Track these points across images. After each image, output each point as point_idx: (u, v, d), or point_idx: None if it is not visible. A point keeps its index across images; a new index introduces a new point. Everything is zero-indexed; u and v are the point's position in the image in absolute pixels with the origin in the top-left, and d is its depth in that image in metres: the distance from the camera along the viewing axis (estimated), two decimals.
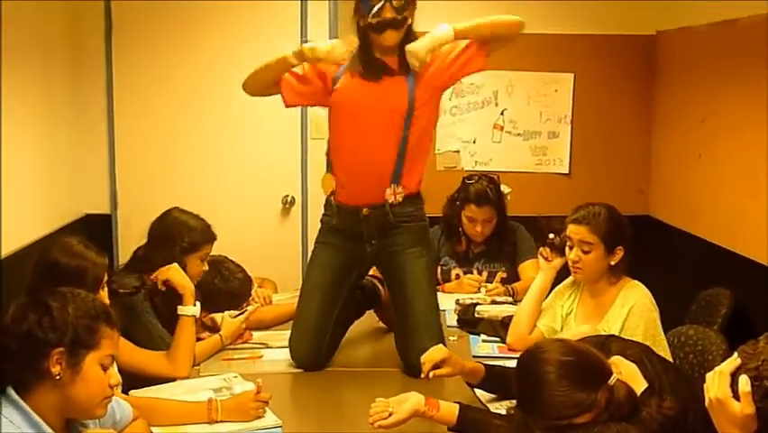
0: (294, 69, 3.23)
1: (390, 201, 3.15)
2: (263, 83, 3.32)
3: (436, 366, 2.70)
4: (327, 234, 3.32)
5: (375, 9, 3.02)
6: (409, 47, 3.06)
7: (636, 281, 3.12)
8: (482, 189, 4.03)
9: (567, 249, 3.15)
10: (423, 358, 2.74)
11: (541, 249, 3.37)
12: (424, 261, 3.26)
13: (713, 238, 4.35)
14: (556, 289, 3.34)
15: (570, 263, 3.17)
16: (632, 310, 2.98)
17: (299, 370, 3.20)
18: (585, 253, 3.09)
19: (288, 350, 3.27)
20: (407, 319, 3.20)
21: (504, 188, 4.18)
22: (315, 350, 3.23)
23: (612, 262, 3.09)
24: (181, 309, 3.10)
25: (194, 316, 3.10)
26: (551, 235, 3.31)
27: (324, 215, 3.34)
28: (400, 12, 3.04)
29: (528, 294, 3.37)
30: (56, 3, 4.57)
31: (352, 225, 3.21)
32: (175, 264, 3.16)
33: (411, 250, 3.22)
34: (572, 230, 3.12)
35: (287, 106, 3.36)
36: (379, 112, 3.11)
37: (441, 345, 2.82)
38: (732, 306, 3.89)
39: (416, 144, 3.17)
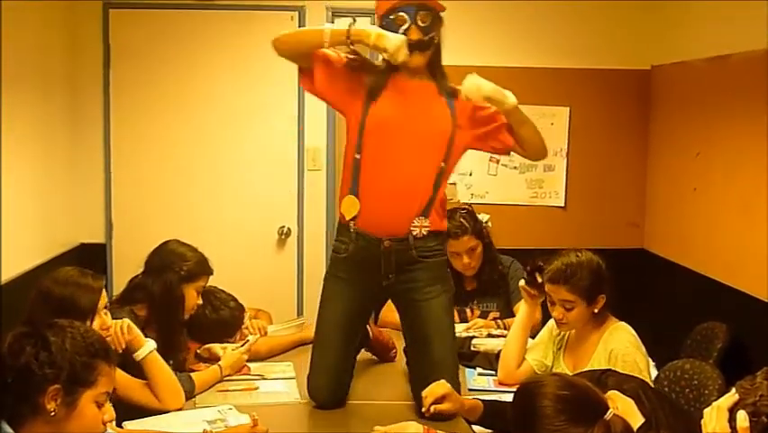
0: (331, 53, 2.99)
1: (415, 234, 2.97)
2: (295, 47, 3.02)
3: (437, 401, 2.70)
4: (340, 266, 3.07)
5: (401, 31, 2.90)
6: (476, 80, 2.93)
7: (621, 324, 3.07)
8: (456, 222, 3.97)
9: (549, 305, 3.14)
10: (424, 393, 2.73)
11: (522, 285, 3.33)
12: (443, 299, 3.07)
13: (708, 272, 4.36)
14: (549, 323, 3.33)
15: (554, 320, 3.16)
16: (612, 354, 2.97)
17: (294, 401, 3.16)
18: (568, 310, 3.07)
19: (283, 382, 3.25)
20: (425, 359, 3.04)
21: (482, 217, 4.14)
22: (339, 389, 3.10)
23: (595, 310, 3.08)
24: (139, 354, 2.91)
25: (152, 350, 3.01)
26: (533, 273, 3.28)
27: (337, 241, 3.08)
28: (427, 32, 2.93)
29: (513, 328, 3.36)
30: (55, 33, 4.60)
31: (371, 256, 2.98)
32: (117, 323, 2.89)
33: (430, 288, 3.03)
34: (551, 289, 3.09)
35: (308, 90, 3.10)
36: (423, 133, 2.96)
37: (443, 381, 2.80)
38: (728, 340, 3.89)
39: (447, 176, 3.03)
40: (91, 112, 4.93)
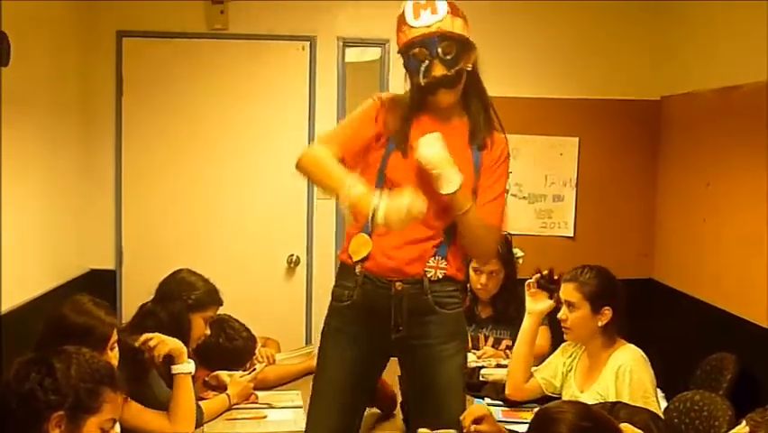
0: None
1: (430, 276, 2.64)
2: (312, 180, 2.79)
3: (476, 421, 2.67)
4: (342, 316, 2.72)
5: (423, 68, 2.59)
6: (427, 147, 2.55)
7: (630, 345, 3.09)
8: None
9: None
10: (464, 414, 2.67)
11: (528, 282, 3.34)
12: (460, 358, 2.75)
13: (718, 302, 4.34)
14: (562, 345, 3.33)
15: (561, 322, 3.18)
16: (618, 372, 2.96)
17: (302, 431, 3.12)
18: (570, 311, 3.11)
19: (291, 411, 3.26)
20: (434, 421, 2.64)
21: (516, 252, 4.16)
22: None
23: (600, 323, 3.07)
24: (176, 368, 3.02)
25: (190, 373, 3.07)
26: (542, 272, 3.30)
27: (338, 287, 2.75)
28: (451, 66, 2.60)
29: (518, 341, 3.37)
30: (69, 60, 4.64)
31: (379, 302, 2.64)
32: (156, 334, 3.02)
33: (446, 346, 2.69)
34: (562, 289, 3.15)
35: None
36: None
37: (482, 404, 2.77)
38: (738, 371, 3.87)
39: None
40: (103, 139, 4.96)
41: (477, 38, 5.05)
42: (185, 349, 3.04)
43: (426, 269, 2.64)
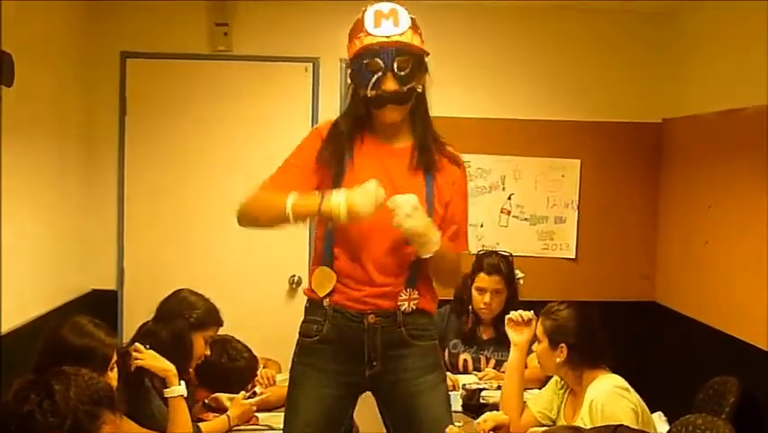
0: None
1: (403, 309, 2.54)
2: (254, 223, 2.79)
3: (495, 429, 2.67)
4: (312, 353, 2.57)
5: (374, 79, 2.44)
6: (405, 208, 2.38)
7: (607, 375, 3.05)
8: (494, 261, 4.04)
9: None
10: (484, 418, 2.69)
11: (507, 316, 3.37)
12: (443, 388, 2.65)
13: (720, 325, 4.33)
14: (554, 377, 3.33)
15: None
16: (592, 404, 2.95)
17: None
18: (537, 345, 3.19)
19: None
20: None
21: (517, 272, 4.17)
22: None
23: (558, 360, 3.09)
24: (168, 392, 2.96)
25: (181, 395, 3.04)
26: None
27: (306, 322, 2.62)
28: (405, 82, 2.45)
29: (506, 377, 3.37)
30: (73, 81, 4.66)
31: (351, 337, 2.53)
32: (150, 351, 3.00)
33: (426, 378, 2.58)
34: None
35: None
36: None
37: (501, 412, 2.75)
38: (740, 394, 3.85)
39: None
40: (105, 159, 4.98)
41: (480, 61, 5.12)
42: (173, 371, 2.98)
43: (399, 302, 2.54)
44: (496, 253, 4.16)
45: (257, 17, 4.99)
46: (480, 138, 4.95)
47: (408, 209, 2.38)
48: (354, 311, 2.52)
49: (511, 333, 3.34)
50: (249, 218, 2.70)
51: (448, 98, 4.54)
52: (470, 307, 4.08)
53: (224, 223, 5.01)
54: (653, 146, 5.15)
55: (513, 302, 4.07)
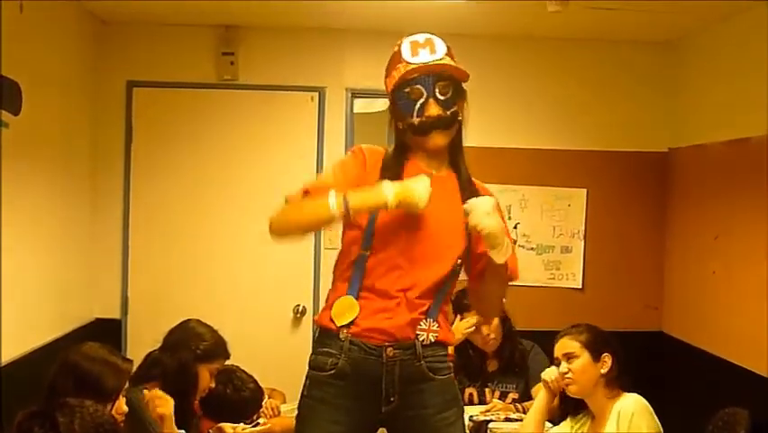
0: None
1: (422, 340, 2.47)
2: (296, 230, 2.66)
3: None
4: (324, 387, 2.46)
5: (418, 106, 2.45)
6: (485, 207, 2.38)
7: (633, 394, 3.07)
8: None
9: (556, 368, 3.19)
10: None
11: (543, 375, 3.30)
12: (460, 425, 2.58)
13: (729, 356, 4.30)
14: (571, 416, 3.31)
15: (563, 380, 3.16)
16: (620, 415, 2.94)
17: None
18: (570, 362, 3.12)
19: None
20: None
21: None
22: None
23: (603, 371, 3.06)
24: None
25: None
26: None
27: (319, 354, 2.51)
28: (448, 106, 2.47)
29: (530, 412, 3.35)
30: (79, 110, 4.67)
31: (368, 371, 2.44)
32: (167, 397, 2.97)
33: (445, 414, 2.50)
34: (556, 348, 3.19)
35: None
36: (438, 237, 2.48)
37: None
38: (750, 426, 3.81)
39: (457, 277, 2.58)
40: (111, 187, 4.98)
41: (486, 90, 5.13)
42: (170, 416, 2.94)
43: (418, 332, 2.47)
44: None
45: (263, 47, 5.02)
46: (486, 167, 4.90)
47: (488, 208, 2.38)
48: (372, 344, 2.43)
49: (545, 386, 3.29)
50: (288, 225, 2.58)
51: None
52: (470, 350, 4.05)
53: (230, 252, 5.04)
54: (659, 176, 5.14)
55: (510, 329, 4.06)
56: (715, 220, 4.52)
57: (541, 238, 5.14)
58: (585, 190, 5.14)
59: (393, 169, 2.50)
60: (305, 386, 2.53)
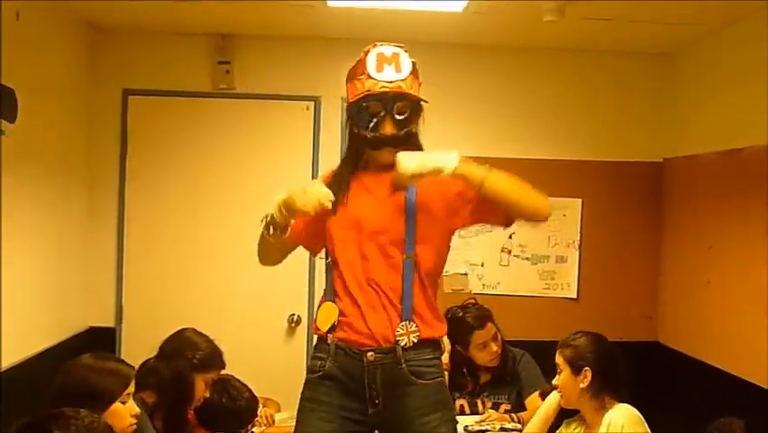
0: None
1: (403, 344, 2.51)
2: (269, 252, 2.87)
3: None
4: (318, 389, 2.57)
5: (374, 122, 2.54)
6: (400, 163, 2.45)
7: (624, 404, 3.09)
8: (474, 312, 4.02)
9: None
10: None
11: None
12: (446, 430, 2.58)
13: (724, 366, 4.30)
14: (564, 421, 3.33)
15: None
16: (610, 425, 2.97)
17: None
18: (558, 376, 3.21)
19: None
20: None
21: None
22: None
23: (582, 385, 3.09)
24: None
25: None
26: None
27: (314, 358, 2.63)
28: (403, 126, 2.54)
29: (539, 417, 3.36)
30: (74, 118, 4.67)
31: (353, 375, 2.53)
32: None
33: (429, 417, 2.52)
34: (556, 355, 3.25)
35: (313, 255, 2.94)
36: (385, 228, 2.57)
37: None
38: None
39: (431, 272, 2.63)
40: (106, 196, 4.97)
41: (481, 100, 5.14)
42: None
43: (397, 337, 2.51)
44: (465, 306, 4.09)
45: (259, 56, 5.02)
46: None
47: (404, 157, 2.44)
48: (355, 348, 2.53)
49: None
50: (259, 254, 2.87)
51: (449, 136, 4.53)
52: (465, 369, 4.04)
53: (224, 261, 5.04)
54: (655, 186, 5.15)
55: (501, 336, 4.07)
56: (709, 230, 4.53)
57: (536, 248, 5.14)
58: (580, 200, 5.14)
59: (340, 177, 2.66)
60: (302, 389, 2.64)
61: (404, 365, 2.51)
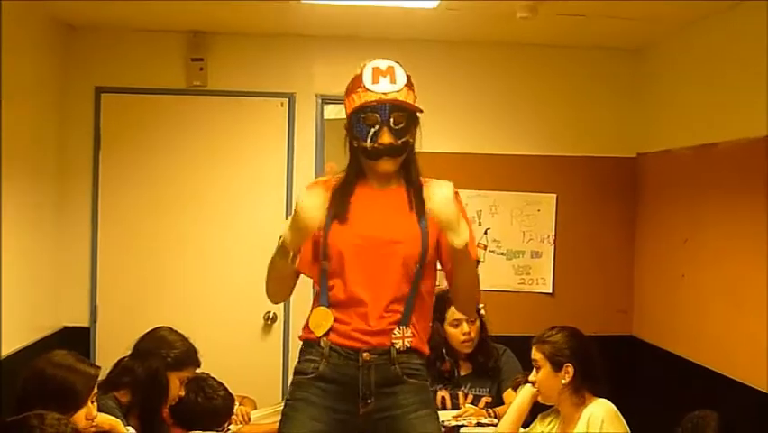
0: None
1: (398, 347, 2.61)
2: (277, 286, 2.82)
3: None
4: (307, 388, 2.62)
5: (371, 132, 2.60)
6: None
7: (602, 399, 3.09)
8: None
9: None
10: None
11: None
12: (435, 426, 2.68)
13: (698, 359, 4.33)
14: (540, 415, 3.33)
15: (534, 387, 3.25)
16: (590, 421, 2.97)
17: None
18: (537, 372, 3.19)
19: None
20: None
21: (479, 305, 4.16)
22: None
23: (564, 381, 3.09)
24: None
25: None
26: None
27: (303, 362, 2.68)
28: (400, 136, 2.62)
29: (512, 412, 3.36)
30: (47, 116, 4.63)
31: (346, 375, 2.59)
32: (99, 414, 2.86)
33: (419, 413, 2.62)
34: (532, 352, 3.23)
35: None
36: (391, 252, 2.62)
37: None
38: (719, 428, 3.84)
39: (429, 294, 2.73)
40: (79, 194, 4.93)
41: (455, 96, 5.14)
42: (118, 422, 2.89)
43: (393, 340, 2.61)
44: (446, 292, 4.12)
45: (233, 53, 4.99)
46: (457, 173, 4.87)
47: (445, 194, 2.47)
48: (350, 349, 2.60)
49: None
50: (268, 290, 2.85)
51: (425, 133, 4.53)
52: (444, 350, 4.05)
53: (200, 258, 5.01)
54: (629, 180, 5.17)
55: (483, 329, 4.07)
56: (684, 224, 4.56)
57: (511, 243, 5.15)
58: (555, 195, 5.16)
59: (343, 188, 2.70)
60: (289, 391, 2.69)
61: (396, 366, 2.61)
